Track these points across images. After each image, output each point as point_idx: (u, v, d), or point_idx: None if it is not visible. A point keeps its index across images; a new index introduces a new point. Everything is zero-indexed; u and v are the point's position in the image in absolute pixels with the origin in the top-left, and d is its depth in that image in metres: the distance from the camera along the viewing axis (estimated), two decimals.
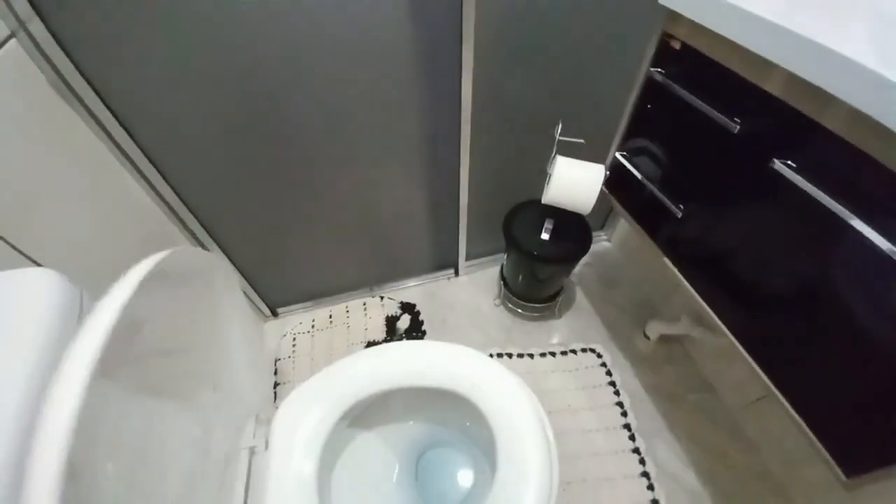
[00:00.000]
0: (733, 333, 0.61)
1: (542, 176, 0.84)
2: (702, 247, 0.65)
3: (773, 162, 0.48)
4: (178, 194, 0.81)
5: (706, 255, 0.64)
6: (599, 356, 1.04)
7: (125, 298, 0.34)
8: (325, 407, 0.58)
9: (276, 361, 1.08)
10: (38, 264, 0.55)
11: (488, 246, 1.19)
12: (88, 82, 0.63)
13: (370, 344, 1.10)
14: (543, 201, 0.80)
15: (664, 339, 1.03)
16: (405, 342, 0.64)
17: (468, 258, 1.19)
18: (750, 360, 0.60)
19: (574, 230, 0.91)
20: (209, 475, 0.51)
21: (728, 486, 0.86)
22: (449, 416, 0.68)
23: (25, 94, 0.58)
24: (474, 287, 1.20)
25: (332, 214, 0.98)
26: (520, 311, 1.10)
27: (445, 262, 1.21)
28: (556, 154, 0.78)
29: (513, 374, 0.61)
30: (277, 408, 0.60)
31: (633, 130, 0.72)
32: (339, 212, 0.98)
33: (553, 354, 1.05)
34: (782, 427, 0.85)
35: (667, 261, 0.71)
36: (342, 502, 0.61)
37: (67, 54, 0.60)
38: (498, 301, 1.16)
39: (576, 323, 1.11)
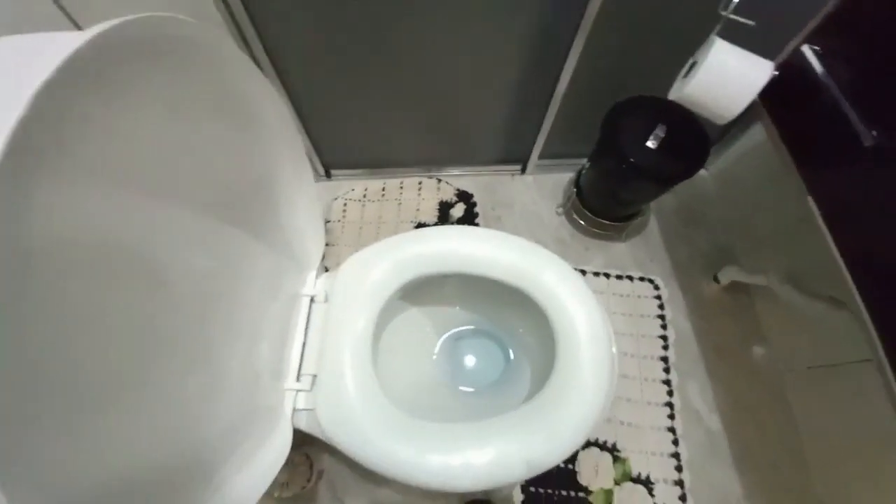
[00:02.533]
0: (866, 305, 0.52)
1: (670, 66, 0.68)
2: (876, 194, 0.52)
3: None
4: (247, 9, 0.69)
5: (875, 205, 0.52)
6: (657, 288, 0.98)
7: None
8: (388, 273, 0.56)
9: (325, 223, 1.06)
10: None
11: (568, 147, 1.06)
12: None
13: (420, 225, 1.06)
14: (673, 96, 0.65)
15: (733, 287, 0.96)
16: (484, 228, 0.58)
17: (541, 157, 1.07)
18: (872, 328, 0.52)
19: (688, 144, 0.77)
20: (272, 311, 0.50)
21: (747, 438, 0.86)
22: (504, 311, 0.66)
23: None
24: (538, 189, 1.11)
25: (408, 76, 0.85)
26: (583, 223, 1.01)
27: (514, 155, 1.09)
28: (715, 35, 0.61)
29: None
30: (339, 265, 0.57)
31: (839, 17, 0.54)
32: (416, 75, 0.85)
33: (608, 276, 1.00)
34: (827, 401, 0.82)
35: (811, 202, 0.59)
36: (387, 365, 0.62)
37: None
38: (561, 210, 1.07)
39: (640, 252, 1.03)
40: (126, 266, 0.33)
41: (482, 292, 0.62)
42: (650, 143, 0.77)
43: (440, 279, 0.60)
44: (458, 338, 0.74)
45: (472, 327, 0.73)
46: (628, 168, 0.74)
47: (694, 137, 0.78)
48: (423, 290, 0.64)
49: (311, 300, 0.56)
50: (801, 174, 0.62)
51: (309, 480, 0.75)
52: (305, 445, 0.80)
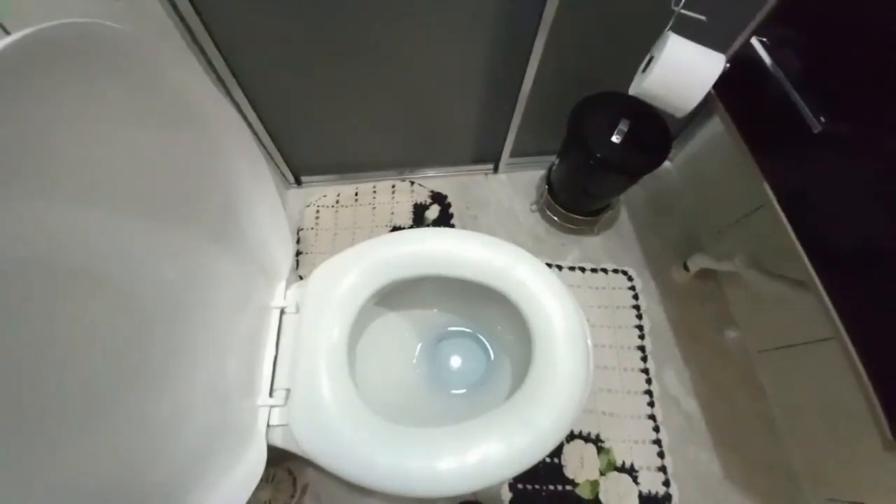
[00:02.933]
0: (824, 285, 0.54)
1: (630, 61, 0.69)
2: (826, 179, 0.54)
3: None
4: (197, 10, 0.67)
5: (827, 189, 0.54)
6: (630, 279, 1.00)
7: None
8: (361, 279, 0.55)
9: (298, 231, 1.04)
10: None
11: (538, 144, 1.07)
12: None
13: (395, 229, 1.05)
14: (633, 91, 0.67)
15: (702, 274, 0.99)
16: (455, 229, 0.58)
17: (512, 155, 1.08)
18: (831, 308, 0.54)
19: (650, 137, 0.79)
20: (240, 325, 0.48)
21: (724, 419, 0.89)
22: (482, 311, 0.66)
23: None
24: (512, 188, 1.11)
25: (374, 80, 0.84)
26: (556, 219, 1.03)
27: (486, 155, 1.10)
28: (669, 30, 0.62)
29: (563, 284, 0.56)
30: (311, 273, 0.56)
31: (784, 9, 0.56)
32: (383, 79, 0.84)
33: (583, 270, 1.01)
34: (797, 379, 0.85)
35: (767, 188, 0.61)
36: (365, 372, 0.61)
37: None
38: (535, 207, 1.08)
39: (613, 244, 1.05)
40: (77, 285, 0.31)
41: (458, 293, 0.62)
42: (615, 138, 0.78)
43: (415, 282, 0.60)
44: (437, 340, 0.74)
45: (450, 328, 0.73)
46: (595, 163, 0.76)
47: (656, 131, 0.80)
48: (397, 294, 0.63)
49: (282, 312, 0.54)
50: (757, 162, 0.64)
51: (293, 496, 0.73)
52: (287, 460, 0.77)
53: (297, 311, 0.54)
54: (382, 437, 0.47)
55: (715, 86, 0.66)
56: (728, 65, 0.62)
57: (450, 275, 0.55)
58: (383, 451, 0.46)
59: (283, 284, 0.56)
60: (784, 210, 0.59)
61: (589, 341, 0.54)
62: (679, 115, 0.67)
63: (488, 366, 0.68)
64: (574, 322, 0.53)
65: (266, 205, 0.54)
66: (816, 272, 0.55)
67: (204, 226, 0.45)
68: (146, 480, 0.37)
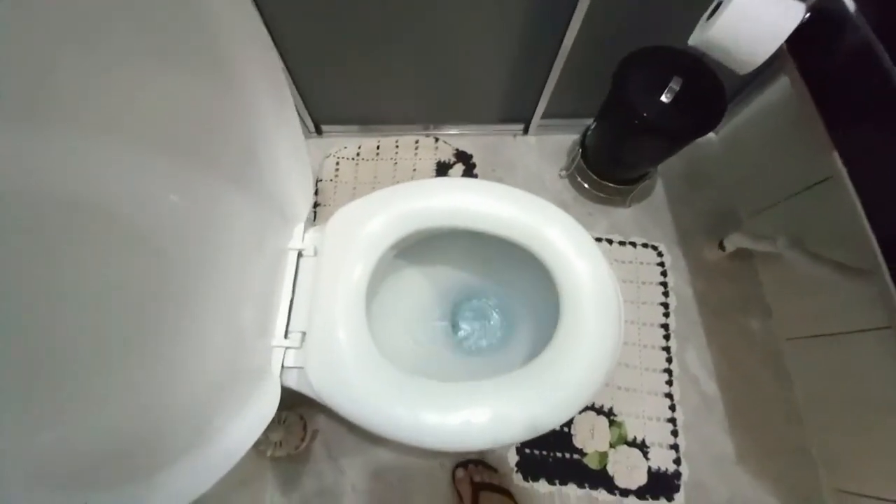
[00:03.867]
0: (893, 273, 0.49)
1: (688, 12, 0.62)
2: None
3: None
4: None
5: None
6: (660, 255, 0.96)
7: None
8: (384, 225, 0.52)
9: (317, 182, 1.01)
10: None
11: (574, 105, 1.00)
12: None
13: None
14: (694, 41, 0.60)
15: (737, 254, 0.93)
16: (486, 181, 0.54)
17: (545, 115, 1.01)
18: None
19: (704, 99, 0.72)
20: (256, 266, 0.47)
21: (744, 402, 0.86)
22: (507, 269, 0.63)
23: None
24: (540, 151, 1.06)
25: (404, 28, 0.78)
26: (587, 186, 0.97)
27: (517, 114, 1.03)
28: None
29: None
30: (331, 216, 0.53)
31: None
32: (413, 27, 0.78)
33: (610, 242, 0.97)
34: (827, 367, 0.81)
35: (837, 160, 0.54)
36: (382, 326, 0.59)
37: None
38: (564, 173, 1.02)
39: (644, 217, 0.99)
40: (90, 220, 0.29)
41: (483, 249, 0.59)
42: (664, 98, 0.71)
43: (439, 235, 0.57)
44: (457, 298, 0.72)
45: (472, 286, 0.70)
46: (640, 123, 0.69)
47: (711, 92, 0.72)
48: (419, 247, 0.60)
49: (299, 255, 0.53)
50: (829, 130, 0.57)
51: (303, 440, 0.74)
52: (300, 406, 0.78)
53: (315, 254, 0.52)
54: (397, 386, 0.45)
55: (788, 39, 0.59)
56: (808, 15, 0.55)
57: (477, 228, 0.52)
58: (397, 400, 0.45)
59: (300, 227, 0.54)
60: (855, 185, 0.53)
61: (622, 308, 0.51)
62: (744, 70, 0.60)
63: (509, 327, 0.66)
64: (607, 288, 0.49)
65: (288, 145, 0.51)
66: (885, 256, 0.50)
67: (223, 163, 0.42)
68: (160, 415, 0.37)
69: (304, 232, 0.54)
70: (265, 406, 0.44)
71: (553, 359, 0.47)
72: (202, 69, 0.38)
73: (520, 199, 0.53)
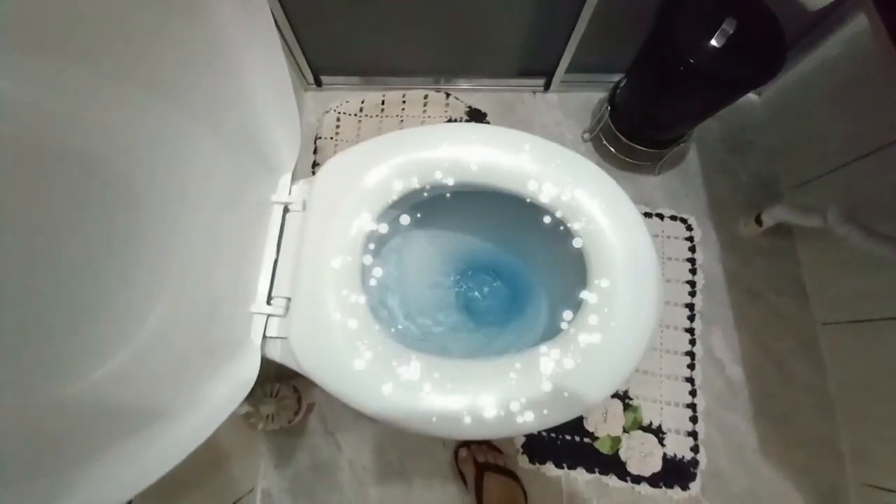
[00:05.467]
0: None
1: None
2: None
3: None
4: None
5: None
6: (689, 229, 0.87)
7: None
8: (386, 177, 0.44)
9: (315, 139, 0.93)
10: None
11: (603, 58, 0.89)
12: None
13: None
14: None
15: (775, 229, 0.84)
16: (506, 130, 0.46)
17: (570, 69, 0.90)
18: None
19: (760, 44, 0.61)
20: (235, 220, 0.40)
21: (772, 389, 0.80)
22: (527, 235, 0.55)
23: None
24: (563, 110, 0.96)
25: None
26: (613, 150, 0.88)
27: (537, 68, 0.93)
28: None
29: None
30: (323, 164, 0.46)
31: None
32: None
33: None
34: (866, 355, 0.74)
35: None
36: (380, 294, 0.53)
37: None
38: (588, 135, 0.93)
39: (675, 185, 0.90)
40: (54, 159, 0.26)
41: (499, 210, 0.51)
42: (714, 42, 0.61)
43: (449, 190, 0.49)
44: (467, 266, 0.64)
45: (485, 252, 0.63)
46: (686, 70, 0.60)
47: (769, 37, 0.62)
48: (425, 205, 0.53)
49: (286, 209, 0.45)
50: None
51: (296, 413, 0.70)
52: (294, 377, 0.74)
53: (304, 208, 0.45)
54: (395, 361, 0.39)
55: None
56: None
57: (494, 185, 0.44)
58: (394, 377, 0.38)
59: (287, 178, 0.46)
60: None
61: (661, 290, 0.43)
62: (815, 5, 0.50)
63: (525, 300, 0.59)
64: (647, 261, 0.42)
65: (272, 87, 0.43)
66: None
67: (196, 102, 0.36)
68: (119, 382, 0.31)
69: (292, 184, 0.47)
70: (243, 379, 0.38)
71: (577, 340, 0.40)
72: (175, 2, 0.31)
73: (547, 152, 0.45)
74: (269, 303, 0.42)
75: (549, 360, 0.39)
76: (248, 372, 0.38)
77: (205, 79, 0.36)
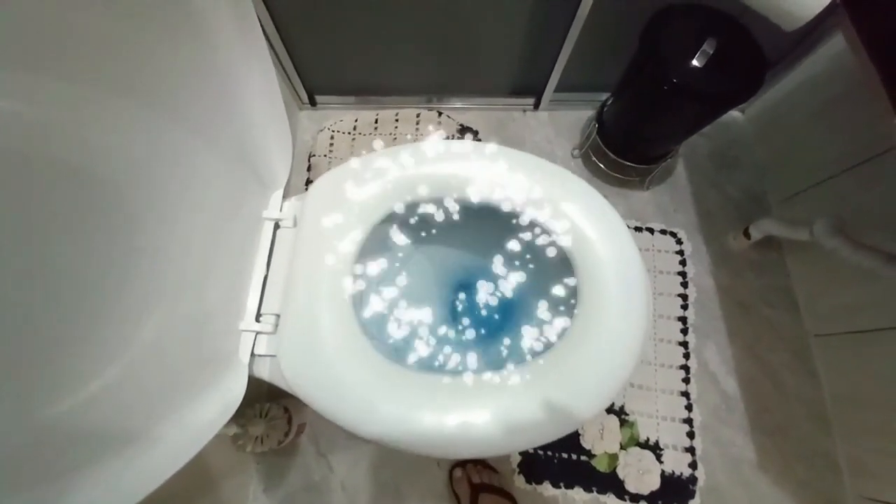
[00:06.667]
0: None
1: None
2: None
3: None
4: None
5: None
6: (679, 242, 0.88)
7: None
8: (379, 194, 0.44)
9: (309, 157, 0.94)
10: None
11: (590, 79, 0.92)
12: None
13: None
14: None
15: (764, 243, 0.86)
16: (499, 147, 0.47)
17: (558, 89, 0.93)
18: None
19: (740, 64, 0.64)
20: (226, 235, 0.40)
21: (767, 402, 0.79)
22: (521, 253, 0.55)
23: None
24: (553, 128, 0.98)
25: None
26: (602, 166, 0.89)
27: (527, 87, 0.95)
28: None
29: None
30: (314, 182, 0.46)
31: None
32: None
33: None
34: (859, 367, 0.75)
35: None
36: (372, 311, 0.53)
37: None
38: (577, 152, 0.94)
39: (664, 200, 0.92)
40: (49, 170, 0.26)
41: (491, 224, 0.52)
42: (696, 62, 0.63)
43: (441, 207, 0.50)
44: (461, 278, 0.64)
45: (478, 264, 0.63)
46: (670, 89, 0.61)
47: (748, 57, 0.64)
48: (418, 221, 0.53)
49: (276, 226, 0.45)
50: (891, 97, 0.49)
51: (287, 435, 0.68)
52: (285, 397, 0.72)
53: (295, 225, 0.45)
54: (387, 380, 0.39)
55: None
56: None
57: (485, 202, 0.45)
58: (386, 396, 0.38)
59: (279, 194, 0.47)
60: None
61: (650, 301, 0.44)
62: (792, 26, 0.52)
63: (516, 315, 0.59)
64: (635, 273, 0.42)
65: (264, 101, 0.44)
66: None
67: (191, 116, 0.36)
68: (100, 397, 0.30)
69: (284, 201, 0.47)
70: (227, 400, 0.37)
71: (569, 355, 0.40)
72: (171, 17, 0.33)
73: (534, 167, 0.46)
74: (258, 320, 0.42)
75: (541, 375, 0.39)
76: (234, 391, 0.37)
77: (200, 95, 0.37)
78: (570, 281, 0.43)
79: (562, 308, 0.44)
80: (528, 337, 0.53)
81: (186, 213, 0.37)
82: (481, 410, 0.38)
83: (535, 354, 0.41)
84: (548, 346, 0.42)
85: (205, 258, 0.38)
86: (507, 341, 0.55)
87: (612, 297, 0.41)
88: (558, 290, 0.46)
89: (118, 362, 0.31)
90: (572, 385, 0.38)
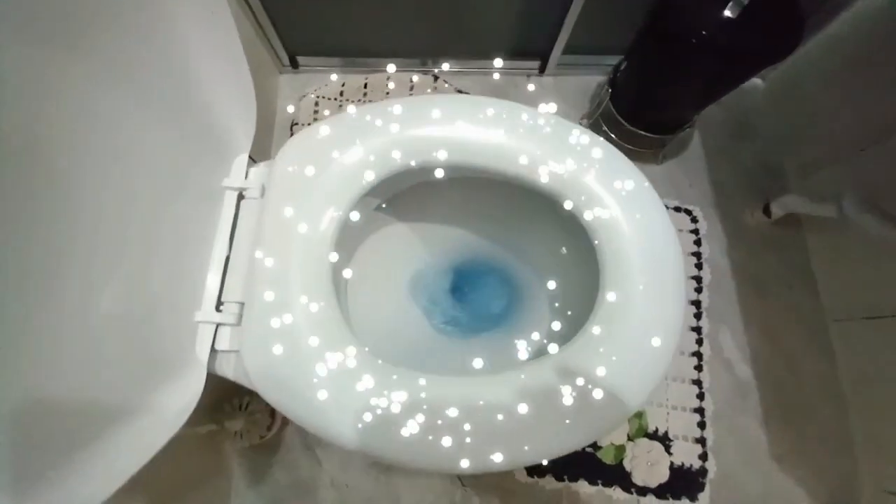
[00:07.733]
0: None
1: None
2: None
3: None
4: None
5: None
6: (694, 221, 0.82)
7: None
8: (362, 158, 0.37)
9: (292, 126, 0.86)
10: None
11: (603, 38, 0.83)
12: None
13: None
14: None
15: (784, 220, 0.80)
16: (501, 102, 0.39)
17: (566, 51, 0.84)
18: None
19: (776, 16, 0.56)
20: (177, 207, 0.32)
21: (784, 390, 0.75)
22: (524, 228, 0.48)
23: None
24: (559, 94, 0.89)
25: None
26: (613, 136, 0.82)
27: (532, 48, 0.86)
28: None
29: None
30: (285, 144, 0.39)
31: None
32: None
33: None
34: (883, 352, 0.70)
35: None
36: (352, 300, 0.46)
37: None
38: (586, 121, 0.87)
39: (679, 175, 0.85)
40: None
41: (492, 196, 0.45)
42: (728, 12, 0.55)
43: (434, 177, 0.43)
44: (456, 261, 0.58)
45: (476, 245, 0.56)
46: (699, 43, 0.54)
47: (784, 8, 0.56)
48: (408, 192, 0.46)
49: (240, 196, 0.38)
50: None
51: (269, 429, 0.63)
52: None
53: (262, 195, 0.38)
54: (372, 381, 0.33)
55: None
56: None
57: (490, 168, 0.38)
58: (370, 400, 0.32)
59: (242, 159, 0.39)
60: None
61: (683, 286, 0.38)
62: None
63: (525, 306, 0.52)
64: (670, 260, 0.36)
65: (221, 53, 0.36)
66: None
67: (130, 72, 0.28)
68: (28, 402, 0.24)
69: (249, 167, 0.39)
70: (183, 401, 0.31)
71: (584, 356, 0.34)
72: None
73: (552, 129, 0.38)
74: (218, 309, 0.35)
75: (556, 378, 0.33)
76: (187, 395, 0.31)
77: (136, 43, 0.29)
78: (590, 264, 0.37)
79: (581, 297, 0.37)
80: (538, 328, 0.47)
81: (128, 179, 0.29)
82: (482, 418, 0.32)
83: (540, 352, 0.35)
84: (559, 341, 0.36)
85: (147, 236, 0.31)
86: (512, 331, 0.49)
87: (639, 282, 0.35)
88: (575, 276, 0.39)
89: (40, 369, 0.25)
90: (590, 390, 0.32)
